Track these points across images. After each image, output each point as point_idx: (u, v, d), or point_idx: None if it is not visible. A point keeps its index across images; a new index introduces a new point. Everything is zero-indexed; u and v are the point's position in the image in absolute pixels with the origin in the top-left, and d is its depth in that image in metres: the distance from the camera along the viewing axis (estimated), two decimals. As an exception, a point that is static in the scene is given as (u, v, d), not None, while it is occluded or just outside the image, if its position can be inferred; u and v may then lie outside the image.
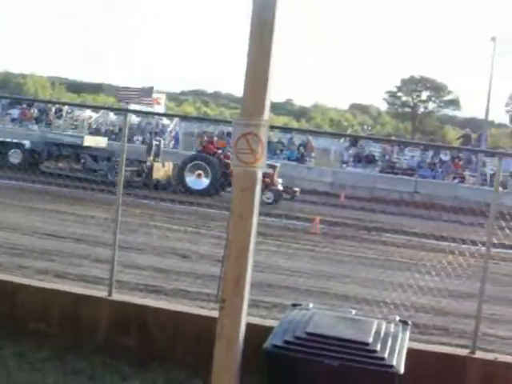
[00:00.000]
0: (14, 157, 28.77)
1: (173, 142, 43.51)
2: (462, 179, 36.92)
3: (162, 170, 28.17)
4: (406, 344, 5.46)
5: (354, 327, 5.46)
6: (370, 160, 40.18)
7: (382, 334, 5.39)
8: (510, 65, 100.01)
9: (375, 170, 38.49)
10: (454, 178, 36.98)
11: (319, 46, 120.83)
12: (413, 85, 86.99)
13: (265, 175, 27.04)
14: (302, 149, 39.94)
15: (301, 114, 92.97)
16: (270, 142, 37.90)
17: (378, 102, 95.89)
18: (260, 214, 5.57)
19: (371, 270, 14.10)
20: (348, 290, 11.99)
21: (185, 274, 12.22)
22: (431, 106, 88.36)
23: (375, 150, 41.91)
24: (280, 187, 27.68)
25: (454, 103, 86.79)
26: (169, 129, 45.14)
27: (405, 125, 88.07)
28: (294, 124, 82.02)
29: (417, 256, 15.40)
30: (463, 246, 12.30)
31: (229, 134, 32.32)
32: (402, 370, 5.12)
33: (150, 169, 27.77)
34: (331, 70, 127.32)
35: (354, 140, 41.88)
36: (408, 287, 10.65)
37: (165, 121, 46.14)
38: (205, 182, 27.70)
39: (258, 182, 5.44)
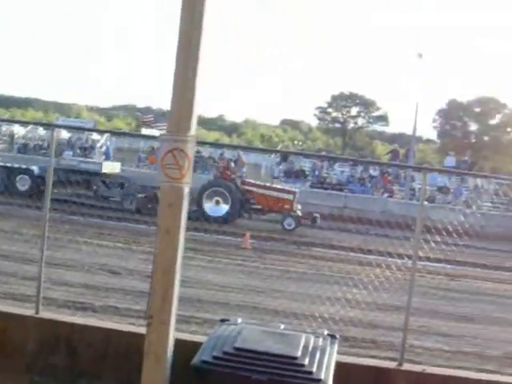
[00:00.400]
0: (22, 183, 27.49)
1: (103, 158, 43.03)
2: (391, 194, 37.49)
3: None
4: (334, 357, 5.51)
5: (283, 342, 5.49)
6: (300, 175, 40.47)
7: (311, 348, 5.43)
8: (437, 81, 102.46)
9: (305, 185, 38.76)
10: (383, 192, 37.53)
11: (251, 62, 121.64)
12: (343, 101, 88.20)
13: (285, 201, 26.92)
14: (233, 164, 40.00)
15: (232, 129, 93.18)
16: (201, 158, 37.86)
17: (308, 118, 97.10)
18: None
19: (301, 284, 14.21)
20: (278, 305, 12.05)
21: (114, 291, 12.12)
22: (361, 121, 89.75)
23: (306, 165, 42.28)
24: (299, 213, 27.01)
25: (383, 119, 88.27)
26: (98, 144, 44.61)
27: (335, 140, 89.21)
28: (225, 139, 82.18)
29: (345, 270, 15.61)
30: (390, 259, 12.51)
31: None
32: (330, 384, 5.17)
33: None
34: (262, 86, 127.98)
35: (285, 155, 42.10)
36: (337, 301, 10.77)
37: (95, 136, 45.58)
38: (224, 208, 26.93)
39: (185, 197, 5.44)
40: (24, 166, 28.32)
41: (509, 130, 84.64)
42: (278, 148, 59.56)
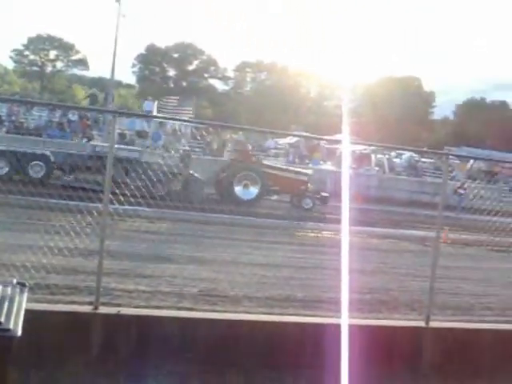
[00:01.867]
0: (35, 170, 24.38)
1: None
2: (90, 138, 37.17)
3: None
4: (24, 306, 5.38)
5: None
6: (-4, 120, 38.81)
7: (-2, 299, 5.26)
8: (136, 26, 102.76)
9: (2, 131, 37.18)
10: (82, 137, 37.11)
11: None
12: (40, 43, 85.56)
13: (301, 182, 27.92)
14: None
15: None
16: None
17: (4, 61, 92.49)
18: None
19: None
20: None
21: None
22: (59, 65, 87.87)
23: (1, 110, 40.56)
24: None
25: (83, 63, 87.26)
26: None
27: (33, 84, 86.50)
28: None
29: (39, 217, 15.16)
30: (83, 203, 12.31)
31: None
32: (19, 333, 5.04)
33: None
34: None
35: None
36: (29, 248, 10.49)
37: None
38: (253, 191, 27.14)
39: None
40: (39, 152, 25.59)
41: (206, 75, 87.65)
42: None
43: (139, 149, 29.25)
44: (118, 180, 25.53)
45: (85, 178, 23.93)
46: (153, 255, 13.70)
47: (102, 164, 25.52)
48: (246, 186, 27.54)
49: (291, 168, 31.47)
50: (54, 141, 33.35)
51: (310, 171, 31.07)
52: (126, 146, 30.06)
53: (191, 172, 26.53)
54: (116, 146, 29.95)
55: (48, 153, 25.88)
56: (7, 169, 24.07)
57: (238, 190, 27.48)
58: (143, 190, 10.21)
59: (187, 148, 31.68)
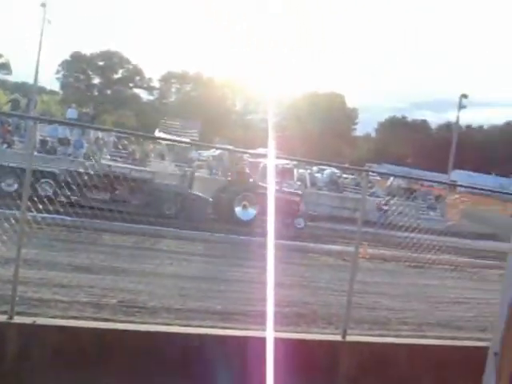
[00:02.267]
0: (44, 188, 23.07)
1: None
2: (10, 144, 36.42)
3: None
4: None
5: None
6: None
7: None
8: (61, 32, 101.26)
9: None
10: (3, 143, 36.34)
11: None
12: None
13: (293, 203, 28.54)
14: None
15: None
16: None
17: None
18: None
19: None
20: None
21: None
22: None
23: None
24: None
25: (5, 67, 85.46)
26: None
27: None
28: None
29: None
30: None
31: None
32: None
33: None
34: None
35: None
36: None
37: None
38: (252, 212, 27.20)
39: None
40: (48, 169, 24.84)
41: (131, 84, 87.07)
42: None
43: (152, 170, 29.55)
44: (128, 199, 25.35)
45: (93, 197, 23.74)
46: (70, 264, 13.48)
47: (112, 183, 25.82)
48: (244, 207, 27.89)
49: (284, 189, 31.64)
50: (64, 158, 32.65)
51: (300, 192, 32.13)
52: (138, 167, 30.19)
53: (192, 191, 26.99)
54: (132, 167, 29.83)
55: (57, 171, 25.39)
56: (16, 186, 23.82)
57: (237, 210, 27.82)
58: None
59: (190, 168, 31.47)
